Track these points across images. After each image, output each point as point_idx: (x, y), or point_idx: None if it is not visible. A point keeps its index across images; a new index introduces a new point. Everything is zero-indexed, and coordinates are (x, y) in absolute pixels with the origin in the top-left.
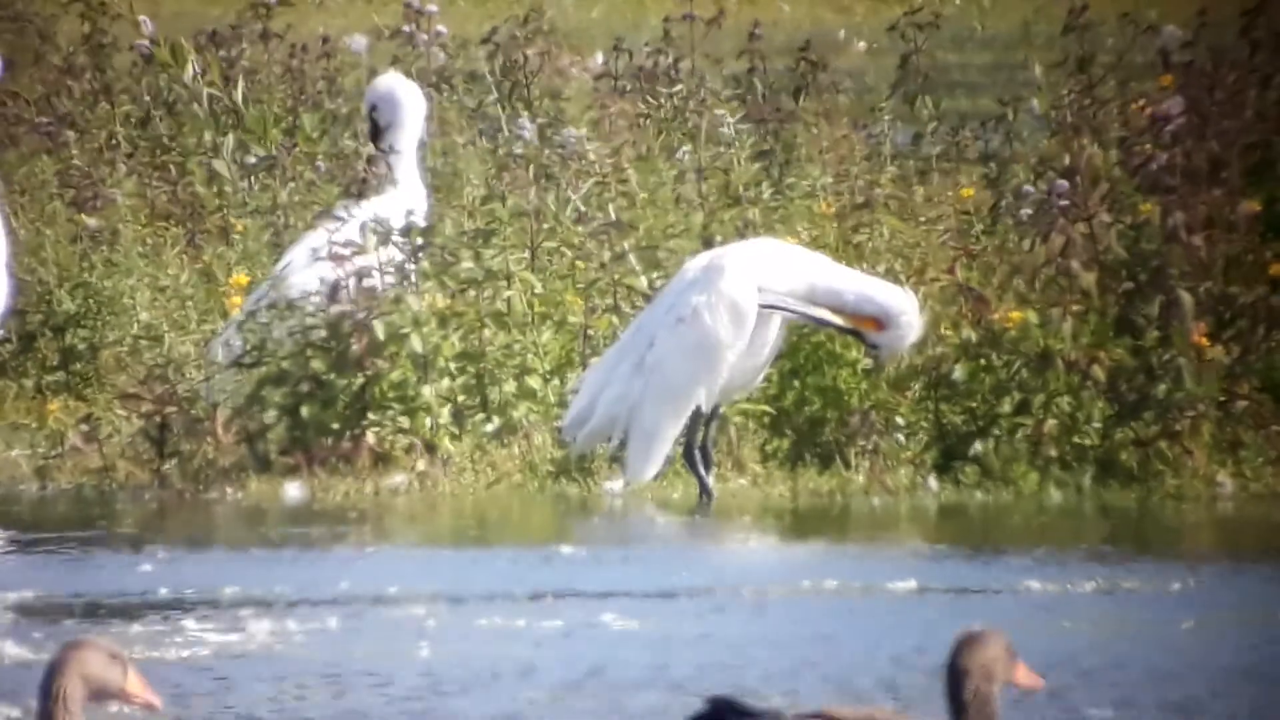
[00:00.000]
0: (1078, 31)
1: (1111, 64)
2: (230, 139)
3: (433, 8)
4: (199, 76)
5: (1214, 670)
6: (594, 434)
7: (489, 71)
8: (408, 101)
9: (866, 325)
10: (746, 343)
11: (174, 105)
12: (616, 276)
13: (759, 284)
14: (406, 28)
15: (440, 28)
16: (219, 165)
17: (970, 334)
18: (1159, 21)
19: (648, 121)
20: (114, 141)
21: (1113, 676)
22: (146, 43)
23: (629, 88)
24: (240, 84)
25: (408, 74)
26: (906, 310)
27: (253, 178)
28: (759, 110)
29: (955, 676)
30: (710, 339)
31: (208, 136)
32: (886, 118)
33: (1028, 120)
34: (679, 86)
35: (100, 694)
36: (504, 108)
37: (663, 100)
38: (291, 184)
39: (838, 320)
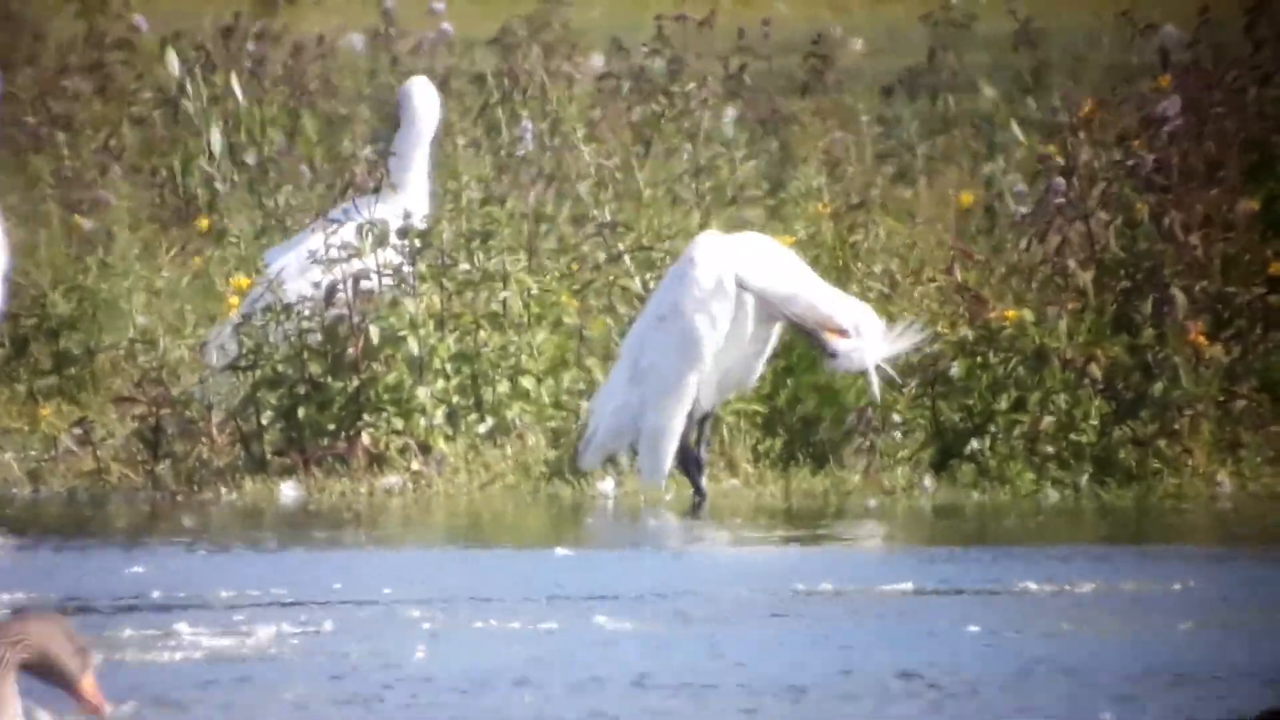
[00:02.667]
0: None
1: (1109, 63)
2: (222, 139)
3: (440, 5)
4: (199, 76)
5: (1214, 671)
6: (600, 449)
7: (492, 73)
8: (419, 105)
9: (832, 333)
10: (727, 327)
11: (176, 107)
12: (612, 278)
13: (734, 272)
14: (387, 29)
15: (446, 25)
16: (208, 168)
17: (967, 332)
18: (1159, 21)
19: (650, 120)
20: (110, 143)
21: (1111, 678)
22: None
23: (628, 88)
24: (239, 83)
25: (407, 75)
26: (871, 327)
27: (250, 180)
28: (759, 109)
29: None
30: (690, 329)
31: (205, 139)
32: (865, 117)
33: (1025, 119)
34: (691, 85)
35: (47, 674)
36: (505, 109)
37: (668, 99)
38: (289, 187)
39: (805, 319)
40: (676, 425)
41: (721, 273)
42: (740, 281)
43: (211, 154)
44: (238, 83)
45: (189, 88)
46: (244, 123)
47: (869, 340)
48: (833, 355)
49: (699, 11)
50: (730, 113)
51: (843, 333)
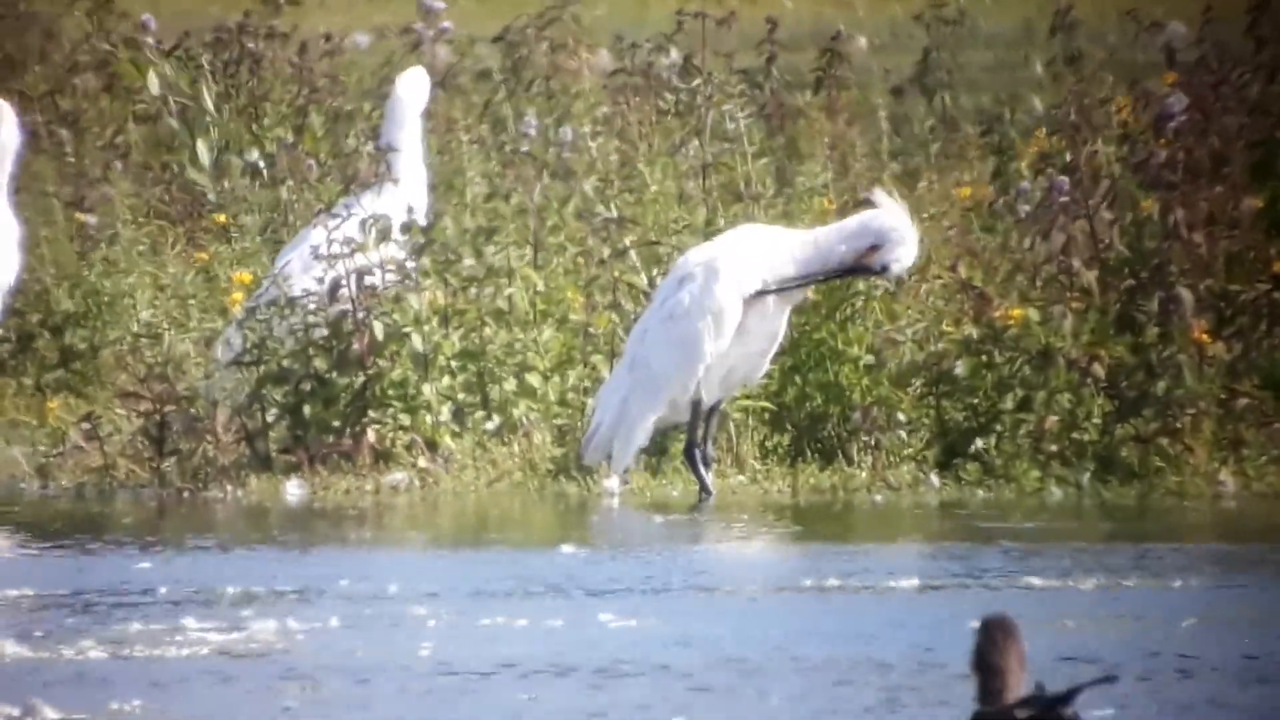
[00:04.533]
0: (1067, 30)
1: (1110, 60)
2: (212, 138)
3: (440, 4)
4: (207, 74)
5: (1215, 669)
6: (604, 443)
7: (498, 69)
8: (404, 97)
9: (865, 256)
10: (728, 339)
11: (184, 107)
12: (617, 273)
13: (753, 274)
14: (419, 25)
15: (446, 23)
16: (202, 164)
17: (972, 331)
18: (1164, 18)
19: (657, 118)
20: (116, 140)
21: (1114, 673)
22: (152, 40)
23: (638, 84)
24: (247, 81)
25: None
26: (894, 223)
27: (256, 175)
28: (769, 105)
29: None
30: (694, 335)
31: (213, 134)
32: (882, 114)
33: (1029, 117)
34: (697, 81)
35: None
36: (511, 106)
37: (679, 96)
38: (290, 181)
39: (834, 266)
40: (650, 420)
41: (740, 285)
42: (766, 287)
43: (223, 149)
44: (244, 80)
45: (199, 86)
46: (252, 119)
47: (900, 234)
48: (884, 269)
49: (714, 9)
50: (734, 110)
51: (875, 248)
